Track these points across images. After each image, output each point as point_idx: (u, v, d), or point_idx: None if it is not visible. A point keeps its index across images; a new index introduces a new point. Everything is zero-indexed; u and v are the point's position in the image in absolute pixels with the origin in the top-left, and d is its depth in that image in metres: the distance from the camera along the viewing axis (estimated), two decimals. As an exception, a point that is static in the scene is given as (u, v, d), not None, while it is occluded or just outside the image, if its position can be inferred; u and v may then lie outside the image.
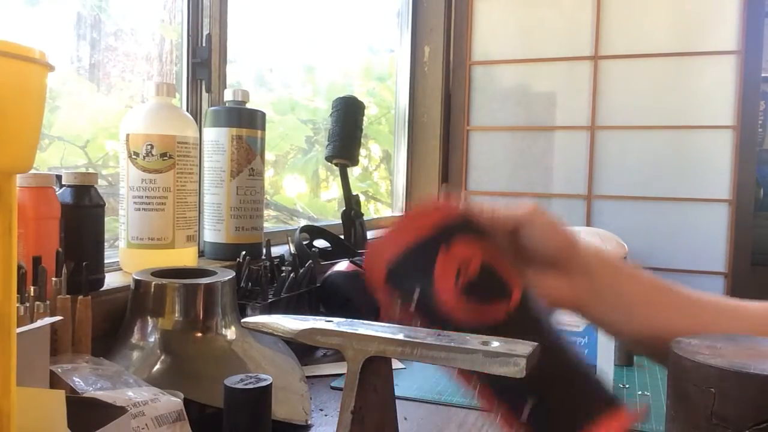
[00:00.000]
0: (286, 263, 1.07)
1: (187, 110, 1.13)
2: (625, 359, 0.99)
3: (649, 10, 1.81)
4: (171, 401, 0.57)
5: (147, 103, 0.93)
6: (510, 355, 0.49)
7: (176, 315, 0.76)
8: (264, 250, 1.08)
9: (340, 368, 0.93)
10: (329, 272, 1.12)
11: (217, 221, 1.06)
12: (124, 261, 0.94)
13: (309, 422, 0.73)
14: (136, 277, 0.78)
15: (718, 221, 1.76)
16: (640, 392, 0.90)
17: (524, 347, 0.50)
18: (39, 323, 0.51)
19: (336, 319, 0.60)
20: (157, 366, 0.72)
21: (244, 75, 1.41)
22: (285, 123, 1.68)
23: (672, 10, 1.79)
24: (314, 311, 1.08)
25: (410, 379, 0.91)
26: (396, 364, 0.97)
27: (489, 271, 0.52)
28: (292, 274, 1.00)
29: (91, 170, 1.07)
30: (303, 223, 1.58)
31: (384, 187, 2.12)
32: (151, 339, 0.75)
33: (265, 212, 1.15)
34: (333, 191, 1.85)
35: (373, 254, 0.55)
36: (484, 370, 0.50)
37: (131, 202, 0.91)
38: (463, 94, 2.01)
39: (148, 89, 0.94)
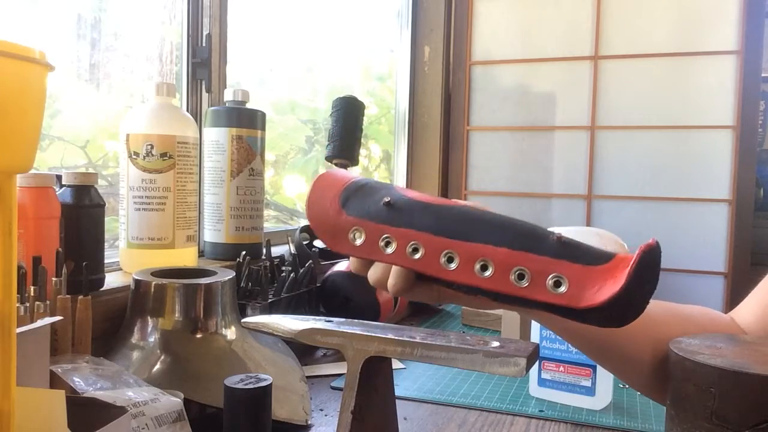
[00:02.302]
0: (286, 263, 1.07)
1: (187, 110, 1.13)
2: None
3: (649, 10, 1.81)
4: (171, 401, 0.57)
5: (147, 103, 0.94)
6: (510, 355, 0.49)
7: (176, 315, 0.76)
8: (264, 250, 1.08)
9: (340, 368, 0.93)
10: (329, 272, 1.12)
11: (217, 221, 1.06)
12: (124, 261, 0.94)
13: (309, 422, 0.73)
14: (136, 277, 0.78)
15: (718, 221, 1.76)
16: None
17: (524, 347, 0.50)
18: (39, 323, 0.50)
19: (336, 319, 0.60)
20: (157, 366, 0.72)
21: (244, 75, 1.41)
22: (285, 123, 1.68)
23: (672, 10, 1.79)
24: (314, 311, 1.08)
25: (410, 379, 0.91)
26: (396, 364, 0.97)
27: None
28: (292, 274, 1.00)
29: (91, 170, 1.07)
30: (303, 223, 1.58)
31: (384, 187, 2.12)
32: (151, 339, 0.75)
33: (265, 212, 1.15)
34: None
35: (321, 185, 0.52)
36: (484, 371, 0.50)
37: (131, 202, 0.91)
38: (463, 94, 2.01)
39: (148, 89, 0.94)
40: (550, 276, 0.43)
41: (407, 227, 0.47)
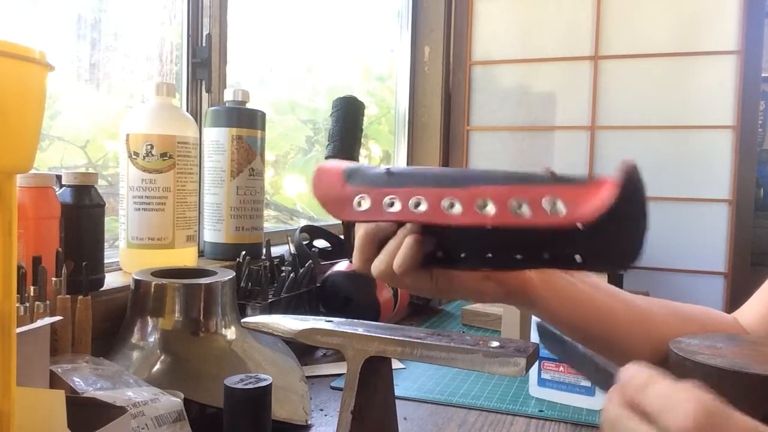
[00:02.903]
0: (286, 263, 1.07)
1: (187, 110, 1.13)
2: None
3: (649, 10, 1.81)
4: (171, 401, 0.57)
5: (147, 103, 0.94)
6: (510, 355, 0.49)
7: (176, 315, 0.76)
8: (264, 250, 1.08)
9: (340, 368, 0.93)
10: (329, 272, 1.12)
11: (217, 221, 1.06)
12: (124, 261, 0.94)
13: (309, 422, 0.73)
14: (136, 277, 0.78)
15: (718, 221, 1.76)
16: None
17: (524, 347, 0.50)
18: (39, 323, 0.50)
19: (336, 319, 0.60)
20: (157, 366, 0.72)
21: (244, 75, 1.41)
22: (285, 123, 1.68)
23: (672, 10, 1.79)
24: (314, 311, 1.08)
25: (410, 379, 0.91)
26: (396, 364, 0.97)
27: None
28: (292, 274, 1.00)
29: (91, 170, 1.07)
30: (303, 223, 1.58)
31: (384, 187, 2.12)
32: (151, 339, 0.75)
33: (265, 212, 1.15)
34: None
35: (323, 170, 0.55)
36: (484, 371, 0.50)
37: (131, 202, 0.91)
38: (463, 94, 2.01)
39: (148, 89, 0.94)
40: (546, 199, 0.44)
41: (408, 186, 0.50)
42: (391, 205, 0.50)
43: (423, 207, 0.48)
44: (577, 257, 0.45)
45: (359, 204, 0.51)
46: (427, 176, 0.50)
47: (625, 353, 0.60)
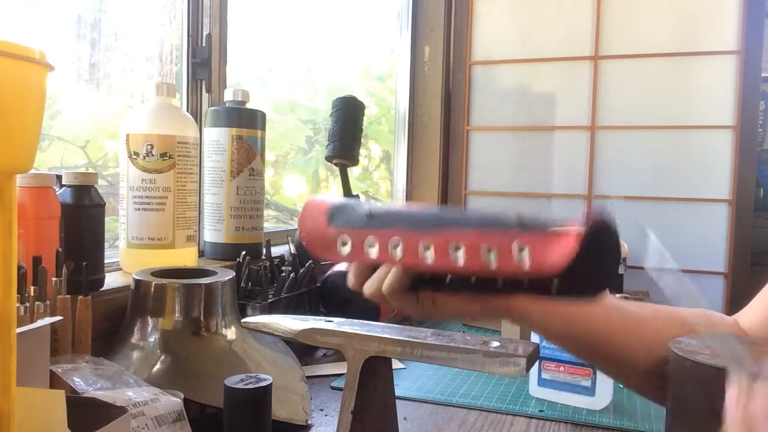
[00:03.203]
0: (286, 263, 1.07)
1: (187, 110, 1.13)
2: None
3: (649, 10, 1.81)
4: (171, 401, 0.57)
5: (147, 103, 0.93)
6: (510, 355, 0.49)
7: (176, 315, 0.76)
8: (264, 250, 1.08)
9: (340, 368, 0.93)
10: (329, 272, 1.12)
11: (217, 221, 1.06)
12: (124, 261, 0.94)
13: (309, 422, 0.73)
14: (136, 277, 0.78)
15: (718, 221, 1.76)
16: (640, 392, 0.90)
17: (524, 347, 0.50)
18: (39, 323, 0.51)
19: (336, 319, 0.60)
20: (157, 366, 0.72)
21: (244, 75, 1.41)
22: (285, 123, 1.68)
23: (672, 10, 1.79)
24: (314, 311, 1.08)
25: (410, 379, 0.91)
26: (396, 364, 0.97)
27: None
28: (292, 274, 1.00)
29: (91, 170, 1.07)
30: (303, 223, 1.57)
31: (384, 187, 2.12)
32: (151, 339, 0.75)
33: (265, 212, 1.15)
34: (333, 191, 1.85)
35: (310, 208, 0.57)
36: (484, 371, 0.50)
37: (131, 202, 0.91)
38: (463, 94, 2.01)
39: (148, 89, 0.94)
40: (515, 245, 0.46)
41: (386, 228, 0.52)
42: (372, 246, 0.52)
43: (400, 250, 0.51)
44: (554, 286, 0.48)
45: (342, 245, 0.54)
46: (406, 218, 0.52)
47: (620, 361, 0.60)
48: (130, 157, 0.90)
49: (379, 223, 0.53)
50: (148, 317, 0.75)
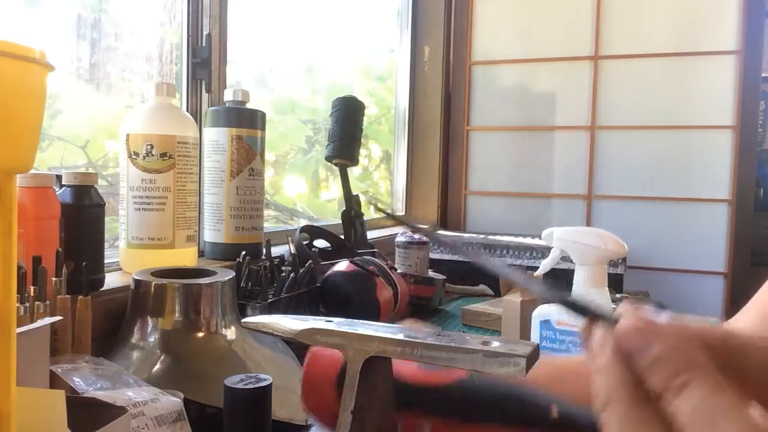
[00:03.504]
0: (286, 263, 1.07)
1: (187, 110, 1.13)
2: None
3: (649, 10, 1.81)
4: (171, 401, 0.57)
5: (147, 103, 0.93)
6: (510, 355, 0.49)
7: (176, 315, 0.76)
8: (264, 250, 1.07)
9: (340, 368, 0.92)
10: (329, 272, 1.12)
11: (217, 221, 1.06)
12: (124, 261, 0.94)
13: (309, 422, 0.73)
14: (136, 277, 0.78)
15: (718, 221, 1.76)
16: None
17: (524, 347, 0.50)
18: (39, 323, 0.51)
19: (336, 319, 0.60)
20: (157, 366, 0.72)
21: (244, 75, 1.41)
22: (285, 123, 1.68)
23: (672, 10, 1.79)
24: (314, 311, 1.08)
25: (410, 379, 0.91)
26: (396, 364, 0.96)
27: None
28: (292, 274, 1.00)
29: (91, 170, 1.07)
30: (303, 223, 1.58)
31: (384, 187, 2.12)
32: (151, 339, 0.75)
33: (265, 212, 1.15)
34: (333, 191, 1.85)
35: (316, 363, 0.52)
36: (484, 370, 0.50)
37: (131, 202, 0.91)
38: (463, 94, 2.01)
39: (148, 89, 0.94)
40: None
41: (414, 409, 0.48)
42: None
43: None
44: None
45: None
46: (431, 398, 0.48)
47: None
48: (130, 157, 0.90)
49: (405, 400, 0.48)
50: (148, 317, 0.75)
